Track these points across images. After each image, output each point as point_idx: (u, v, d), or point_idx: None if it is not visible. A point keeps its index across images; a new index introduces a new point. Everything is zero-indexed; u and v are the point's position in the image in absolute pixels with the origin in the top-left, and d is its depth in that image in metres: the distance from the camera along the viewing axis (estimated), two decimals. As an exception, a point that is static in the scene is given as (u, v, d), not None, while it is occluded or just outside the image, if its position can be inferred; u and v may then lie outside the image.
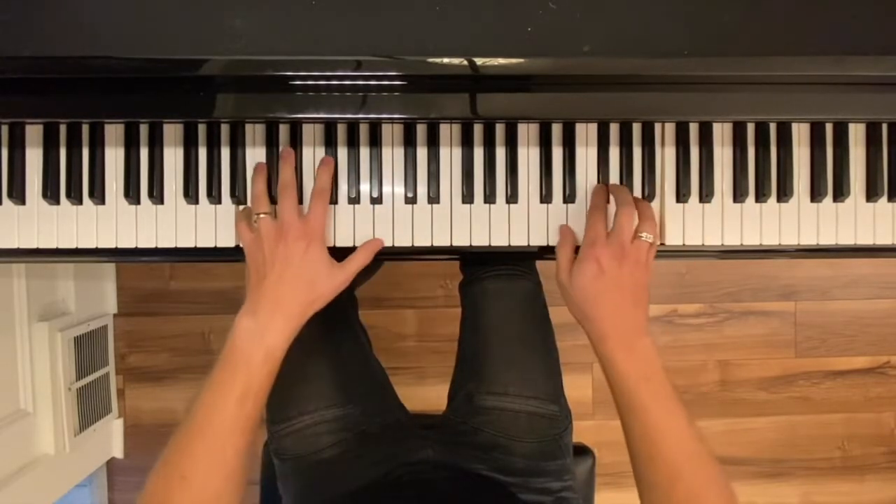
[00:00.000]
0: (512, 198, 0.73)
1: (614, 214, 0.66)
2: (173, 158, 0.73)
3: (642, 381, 0.61)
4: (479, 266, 0.92)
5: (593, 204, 0.69)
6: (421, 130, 0.73)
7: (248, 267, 0.67)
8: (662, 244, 0.74)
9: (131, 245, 0.73)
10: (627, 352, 0.62)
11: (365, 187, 0.73)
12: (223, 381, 0.61)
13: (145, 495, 0.58)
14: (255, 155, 0.73)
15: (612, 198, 0.70)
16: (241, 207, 0.72)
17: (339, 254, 0.72)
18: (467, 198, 0.73)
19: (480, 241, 0.74)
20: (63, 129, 0.72)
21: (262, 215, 0.66)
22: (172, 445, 0.60)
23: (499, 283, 0.90)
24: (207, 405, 0.61)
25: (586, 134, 0.74)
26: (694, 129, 0.74)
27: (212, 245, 0.73)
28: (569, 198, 0.73)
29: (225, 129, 0.73)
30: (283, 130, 0.73)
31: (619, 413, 0.63)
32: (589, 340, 0.65)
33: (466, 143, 0.73)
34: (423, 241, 0.74)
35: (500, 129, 0.73)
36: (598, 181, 0.74)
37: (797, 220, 0.74)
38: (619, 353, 0.62)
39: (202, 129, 0.73)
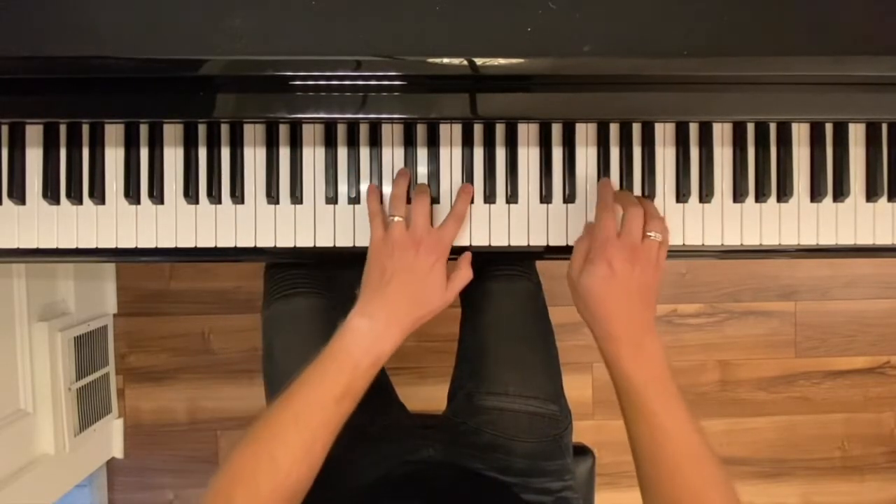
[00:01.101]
0: (512, 198, 0.73)
1: (621, 216, 0.65)
2: (173, 158, 0.73)
3: (649, 381, 0.61)
4: (479, 266, 0.92)
5: (602, 202, 0.68)
6: (421, 130, 0.73)
7: (369, 265, 0.67)
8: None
9: (131, 245, 0.73)
10: (634, 351, 0.62)
11: (365, 187, 0.73)
12: (327, 378, 0.62)
13: (232, 467, 0.58)
14: (255, 155, 0.73)
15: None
16: (369, 190, 0.72)
17: (340, 253, 0.72)
18: (467, 198, 0.73)
19: (480, 241, 0.74)
20: (63, 129, 0.72)
21: (396, 218, 0.67)
22: (264, 426, 0.60)
23: (498, 283, 0.89)
24: (307, 397, 0.61)
25: (586, 134, 0.74)
26: (694, 129, 0.74)
27: (212, 245, 0.73)
28: (569, 198, 0.73)
29: (225, 129, 0.73)
30: (283, 130, 0.73)
31: (624, 413, 0.63)
32: (594, 339, 0.65)
33: (466, 143, 0.73)
34: (423, 241, 0.74)
35: (500, 129, 0.73)
36: (599, 181, 0.73)
37: (797, 220, 0.74)
38: (626, 353, 0.62)
39: (202, 129, 0.73)
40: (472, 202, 0.73)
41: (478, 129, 0.73)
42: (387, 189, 0.73)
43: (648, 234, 0.64)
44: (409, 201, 0.70)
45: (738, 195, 0.73)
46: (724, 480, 0.59)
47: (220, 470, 0.58)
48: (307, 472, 0.60)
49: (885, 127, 0.74)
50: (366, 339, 0.63)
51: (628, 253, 0.62)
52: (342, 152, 0.73)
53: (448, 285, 0.67)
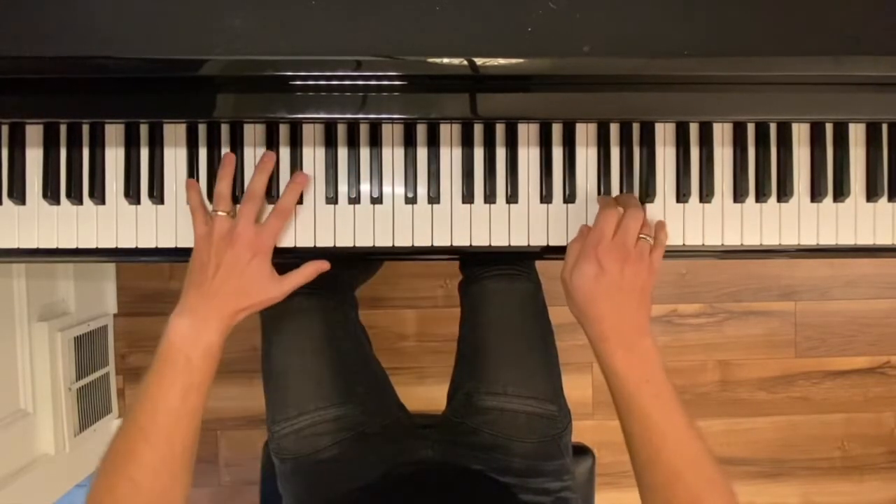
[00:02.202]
0: (512, 198, 0.73)
1: (622, 217, 0.65)
2: (173, 158, 0.73)
3: (642, 383, 0.61)
4: (479, 266, 0.92)
5: (605, 203, 0.67)
6: (421, 130, 0.73)
7: (192, 260, 0.67)
8: (662, 244, 0.74)
9: (131, 245, 0.73)
10: (627, 353, 0.62)
11: (365, 187, 0.73)
12: (164, 381, 0.62)
13: (91, 501, 0.58)
14: (255, 155, 0.73)
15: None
16: (188, 184, 0.71)
17: (340, 253, 0.72)
18: (467, 198, 0.73)
19: (480, 241, 0.74)
20: (63, 129, 0.72)
21: (219, 213, 0.67)
22: (117, 449, 0.60)
23: (498, 283, 0.90)
24: (151, 406, 0.61)
25: (586, 134, 0.74)
26: (694, 129, 0.74)
27: (212, 245, 0.73)
28: (569, 198, 0.73)
29: (225, 129, 0.73)
30: (283, 130, 0.73)
31: (619, 415, 0.63)
32: (588, 340, 0.65)
33: (466, 143, 0.73)
34: (423, 241, 0.74)
35: (500, 129, 0.73)
36: (599, 181, 0.74)
37: (797, 220, 0.74)
38: (619, 354, 0.62)
39: (202, 129, 0.73)
40: (473, 202, 0.73)
41: (478, 129, 0.73)
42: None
43: (641, 236, 0.64)
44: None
45: (739, 195, 0.73)
46: (723, 482, 0.59)
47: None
48: (172, 476, 0.60)
49: (885, 127, 0.74)
50: (189, 333, 0.64)
51: (619, 252, 0.62)
52: (342, 152, 0.73)
53: (281, 281, 0.68)
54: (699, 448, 0.59)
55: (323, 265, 0.71)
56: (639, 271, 0.63)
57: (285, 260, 0.71)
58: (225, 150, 0.73)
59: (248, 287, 0.66)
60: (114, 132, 0.73)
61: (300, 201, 0.73)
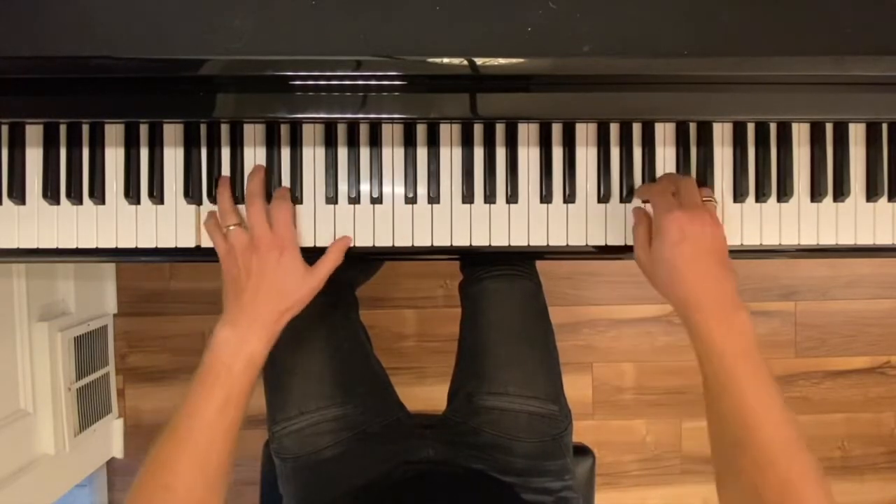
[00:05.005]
0: (512, 198, 0.73)
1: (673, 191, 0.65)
2: (173, 158, 0.73)
3: (739, 358, 0.57)
4: (479, 266, 0.92)
5: (655, 183, 0.69)
6: (421, 130, 0.73)
7: (224, 278, 0.67)
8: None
9: (131, 245, 0.73)
10: (723, 325, 0.58)
11: (365, 187, 0.73)
12: (204, 391, 0.62)
13: None
14: (255, 155, 0.73)
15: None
16: (207, 213, 0.72)
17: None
18: (467, 198, 0.73)
19: (480, 241, 0.74)
20: (63, 129, 0.72)
21: (232, 227, 0.67)
22: (155, 457, 0.60)
23: (499, 282, 0.90)
24: (189, 415, 0.61)
25: (586, 134, 0.74)
26: (694, 129, 0.74)
27: (212, 245, 0.73)
28: (569, 198, 0.73)
29: (225, 129, 0.73)
30: (284, 130, 0.73)
31: (707, 393, 0.59)
32: (678, 315, 0.62)
33: (466, 143, 0.73)
34: (423, 241, 0.74)
35: (500, 129, 0.73)
36: (599, 181, 0.74)
37: (797, 220, 0.74)
38: (714, 325, 0.58)
39: (202, 129, 0.73)
40: (473, 202, 0.73)
41: (478, 129, 0.73)
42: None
43: (705, 198, 0.66)
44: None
45: (739, 195, 0.73)
46: (818, 472, 0.55)
47: None
48: (208, 486, 0.60)
49: (885, 127, 0.74)
50: (232, 345, 0.63)
51: (693, 214, 0.61)
52: (342, 152, 0.73)
53: (313, 270, 0.68)
54: (795, 432, 0.55)
55: (345, 241, 0.72)
56: (715, 230, 0.61)
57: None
58: (225, 149, 0.73)
59: (283, 287, 0.66)
60: (114, 132, 0.73)
61: (300, 201, 0.73)
